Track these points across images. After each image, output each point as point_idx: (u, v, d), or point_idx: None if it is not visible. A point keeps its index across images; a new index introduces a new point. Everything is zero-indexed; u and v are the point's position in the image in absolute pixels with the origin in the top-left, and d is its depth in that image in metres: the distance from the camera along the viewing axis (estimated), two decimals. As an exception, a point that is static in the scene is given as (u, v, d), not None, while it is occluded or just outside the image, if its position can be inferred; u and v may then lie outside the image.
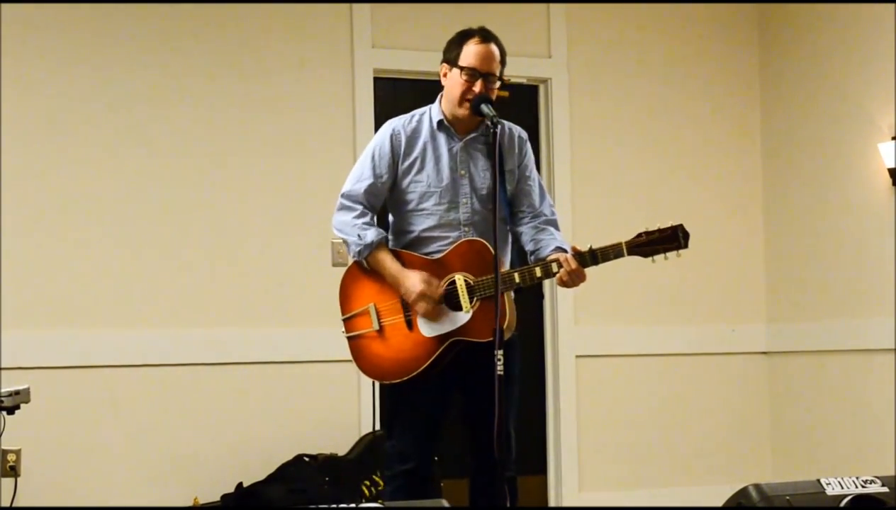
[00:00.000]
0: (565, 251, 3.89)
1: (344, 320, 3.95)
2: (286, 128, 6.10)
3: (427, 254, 3.94)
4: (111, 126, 5.83)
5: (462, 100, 3.92)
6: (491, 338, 3.57)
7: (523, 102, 6.49)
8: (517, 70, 6.33)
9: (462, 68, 3.91)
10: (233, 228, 5.99)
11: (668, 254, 3.82)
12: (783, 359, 6.73)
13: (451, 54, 3.97)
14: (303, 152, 6.11)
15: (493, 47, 3.94)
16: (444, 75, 3.99)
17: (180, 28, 5.96)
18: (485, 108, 3.85)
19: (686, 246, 3.82)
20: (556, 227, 4.06)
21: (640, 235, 3.81)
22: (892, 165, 5.98)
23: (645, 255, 3.82)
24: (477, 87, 3.89)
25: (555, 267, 3.80)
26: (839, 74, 6.39)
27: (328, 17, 6.19)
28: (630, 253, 3.81)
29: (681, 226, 3.82)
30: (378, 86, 6.25)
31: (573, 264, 3.79)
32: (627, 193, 6.65)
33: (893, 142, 5.96)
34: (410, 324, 3.89)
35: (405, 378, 3.87)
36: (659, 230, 3.81)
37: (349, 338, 3.95)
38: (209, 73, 5.98)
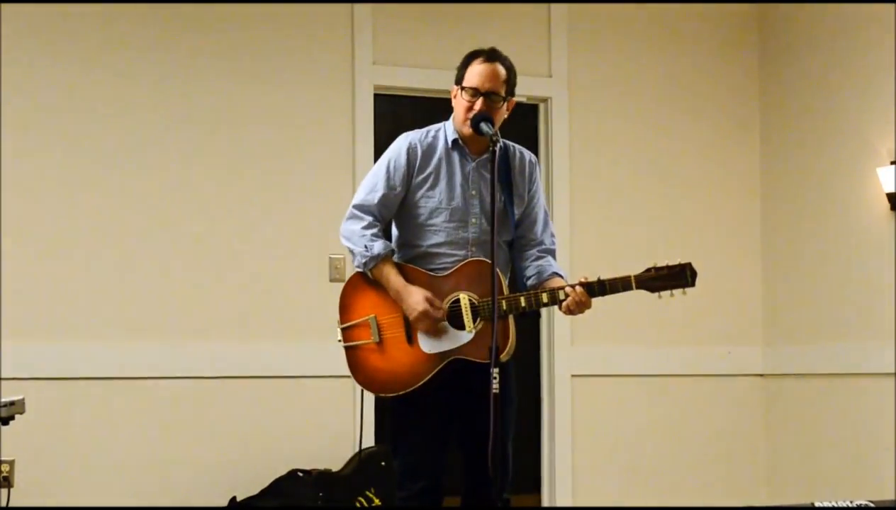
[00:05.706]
0: (562, 277, 3.93)
1: (342, 330, 3.91)
2: (286, 143, 6.10)
3: (432, 269, 3.92)
4: (110, 139, 5.83)
5: (465, 119, 3.91)
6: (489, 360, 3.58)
7: (523, 121, 6.50)
8: (517, 88, 6.34)
9: (464, 88, 3.92)
10: (231, 243, 5.98)
11: (675, 291, 3.73)
12: (779, 382, 6.72)
13: (457, 74, 3.97)
14: (302, 168, 6.11)
15: (498, 66, 3.92)
16: (455, 96, 3.99)
17: (181, 42, 5.97)
18: (484, 127, 3.82)
19: (693, 285, 3.72)
20: (554, 257, 4.07)
21: (649, 270, 3.75)
22: (891, 190, 5.99)
23: (651, 290, 3.74)
24: (477, 106, 3.88)
25: (561, 294, 3.79)
26: (839, 101, 6.39)
27: (329, 33, 6.19)
28: (638, 287, 3.75)
29: (689, 264, 3.73)
30: (378, 102, 6.25)
31: (583, 296, 3.77)
32: (626, 212, 6.65)
33: (892, 166, 5.97)
34: (411, 339, 3.86)
35: (401, 392, 3.84)
36: (668, 267, 3.73)
37: (347, 349, 3.91)
38: (209, 88, 5.99)
